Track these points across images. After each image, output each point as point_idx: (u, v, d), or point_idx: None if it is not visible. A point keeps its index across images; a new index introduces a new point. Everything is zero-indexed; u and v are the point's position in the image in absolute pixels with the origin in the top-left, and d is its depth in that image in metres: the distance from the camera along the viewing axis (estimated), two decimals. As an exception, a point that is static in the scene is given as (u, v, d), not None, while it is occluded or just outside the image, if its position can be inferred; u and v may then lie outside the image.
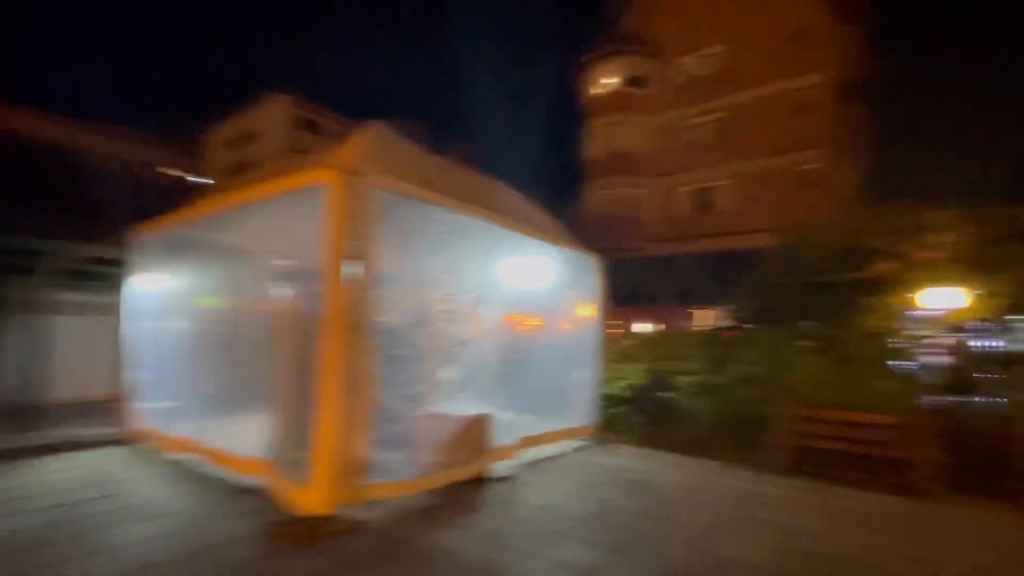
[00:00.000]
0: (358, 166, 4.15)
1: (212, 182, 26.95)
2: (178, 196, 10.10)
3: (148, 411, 6.24)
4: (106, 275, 8.16)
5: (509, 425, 5.49)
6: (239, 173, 32.46)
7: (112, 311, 8.69)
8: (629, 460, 6.08)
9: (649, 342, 9.88)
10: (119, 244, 6.78)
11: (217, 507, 4.20)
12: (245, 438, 5.08)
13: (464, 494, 4.61)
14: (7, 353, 8.37)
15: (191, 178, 23.36)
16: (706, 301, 15.19)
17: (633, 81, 21.72)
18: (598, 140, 22.29)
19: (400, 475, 4.20)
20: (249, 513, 4.01)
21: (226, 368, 5.84)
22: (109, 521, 3.81)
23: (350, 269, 3.90)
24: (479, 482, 4.86)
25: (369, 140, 4.81)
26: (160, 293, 6.38)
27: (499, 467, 5.06)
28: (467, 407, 4.96)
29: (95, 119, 27.90)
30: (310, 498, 3.78)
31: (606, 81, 22.06)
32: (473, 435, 4.90)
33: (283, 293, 5.21)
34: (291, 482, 3.99)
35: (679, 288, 14.88)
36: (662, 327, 15.27)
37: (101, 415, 7.43)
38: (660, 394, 7.26)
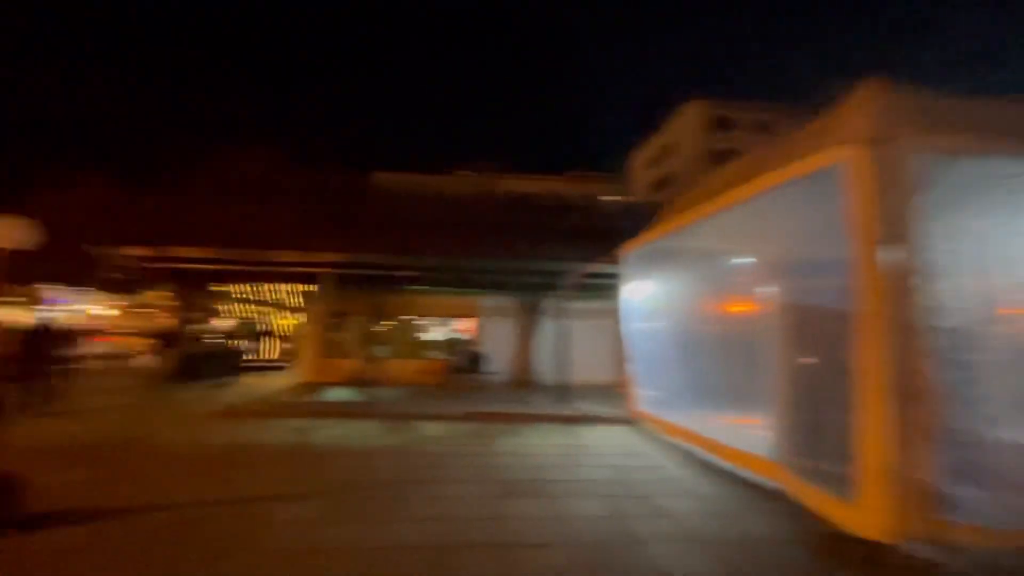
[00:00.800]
0: (880, 132, 3.49)
1: (638, 200, 30.65)
2: (630, 218, 11.77)
3: (644, 397, 7.33)
4: (599, 287, 10.29)
5: None
6: (661, 188, 35.67)
7: (604, 315, 10.84)
8: None
9: None
10: (608, 261, 8.32)
11: (741, 499, 4.33)
12: (743, 434, 5.15)
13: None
14: (544, 347, 11.82)
15: (627, 200, 27.15)
16: None
17: None
18: None
19: (985, 519, 3.19)
20: (779, 513, 3.93)
21: (714, 365, 6.14)
22: (656, 490, 4.52)
23: (888, 256, 3.28)
24: None
25: (878, 99, 4.01)
26: (646, 298, 7.42)
27: None
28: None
29: (549, 169, 37.04)
30: (860, 519, 3.34)
31: None
32: (1106, 486, 3.26)
33: (772, 291, 5.02)
34: (828, 494, 3.67)
35: None
36: None
37: (606, 396, 9.32)
38: None
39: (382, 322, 13.01)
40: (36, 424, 6.40)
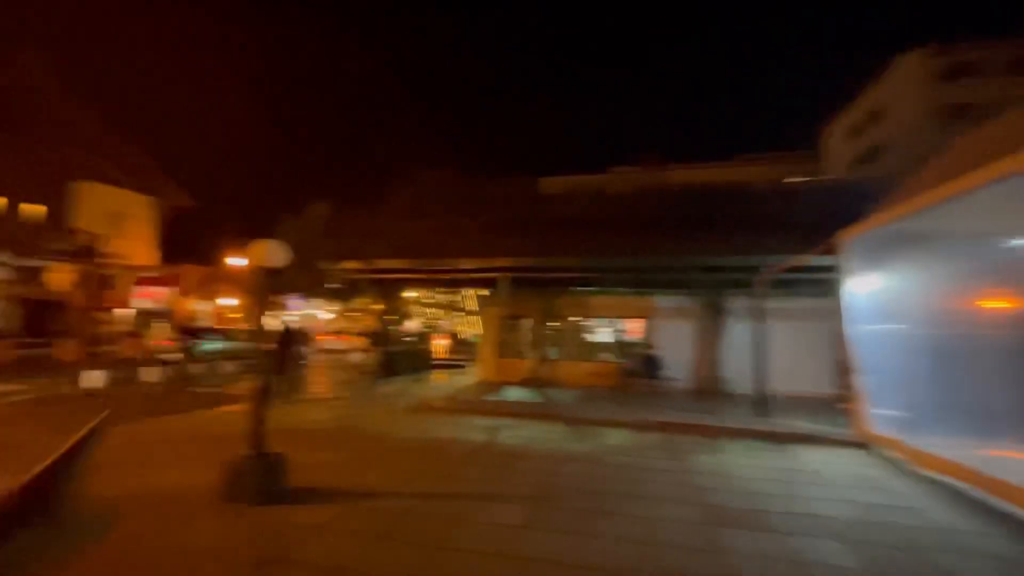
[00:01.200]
0: None
1: (840, 178, 26.06)
2: (834, 199, 9.84)
3: (881, 417, 5.94)
4: (805, 281, 8.83)
5: None
6: (868, 161, 29.83)
7: (812, 315, 9.29)
8: None
9: None
10: (818, 251, 6.98)
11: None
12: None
13: None
14: (733, 352, 10.59)
15: (825, 180, 23.41)
16: None
17: None
18: None
19: None
20: None
21: (992, 380, 4.66)
22: (927, 540, 3.51)
23: None
24: None
25: None
26: (881, 294, 6.02)
27: None
28: None
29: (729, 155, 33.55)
30: None
31: None
32: None
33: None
34: None
35: None
36: None
37: (817, 411, 7.91)
38: None
39: (554, 323, 13.13)
40: (285, 410, 7.79)
